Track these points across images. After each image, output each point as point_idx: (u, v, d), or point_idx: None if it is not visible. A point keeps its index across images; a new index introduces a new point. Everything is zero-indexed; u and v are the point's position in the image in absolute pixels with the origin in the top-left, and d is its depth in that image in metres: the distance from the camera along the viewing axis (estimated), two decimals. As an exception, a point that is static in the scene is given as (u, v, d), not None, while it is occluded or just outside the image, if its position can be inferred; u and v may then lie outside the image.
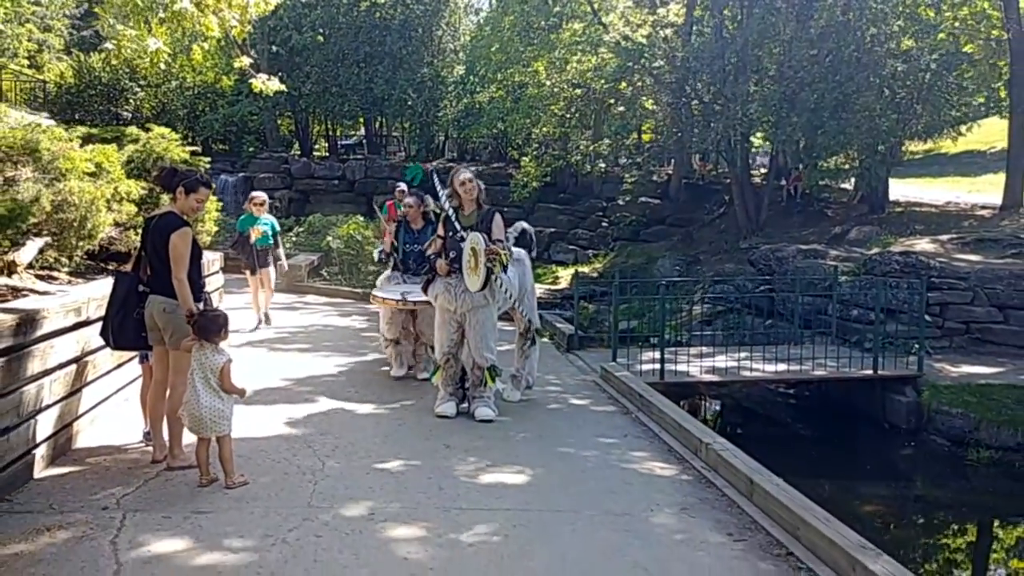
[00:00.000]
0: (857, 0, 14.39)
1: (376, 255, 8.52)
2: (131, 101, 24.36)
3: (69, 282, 6.95)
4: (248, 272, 9.96)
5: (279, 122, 27.14)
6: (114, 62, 24.21)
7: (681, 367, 8.38)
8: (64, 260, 7.09)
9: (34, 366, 4.39)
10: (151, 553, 3.67)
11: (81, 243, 5.39)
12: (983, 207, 16.45)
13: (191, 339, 4.60)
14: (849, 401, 8.93)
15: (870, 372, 8.27)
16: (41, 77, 28.81)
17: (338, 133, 28.61)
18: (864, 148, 14.93)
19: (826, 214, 17.99)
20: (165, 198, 7.23)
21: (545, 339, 10.42)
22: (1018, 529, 6.74)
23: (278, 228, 10.28)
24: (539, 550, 3.88)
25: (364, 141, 28.22)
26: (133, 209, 6.01)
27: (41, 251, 6.89)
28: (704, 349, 9.38)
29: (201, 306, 4.80)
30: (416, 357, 7.65)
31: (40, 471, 4.62)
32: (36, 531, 3.86)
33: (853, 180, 18.02)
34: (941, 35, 15.21)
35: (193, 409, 4.49)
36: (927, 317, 9.47)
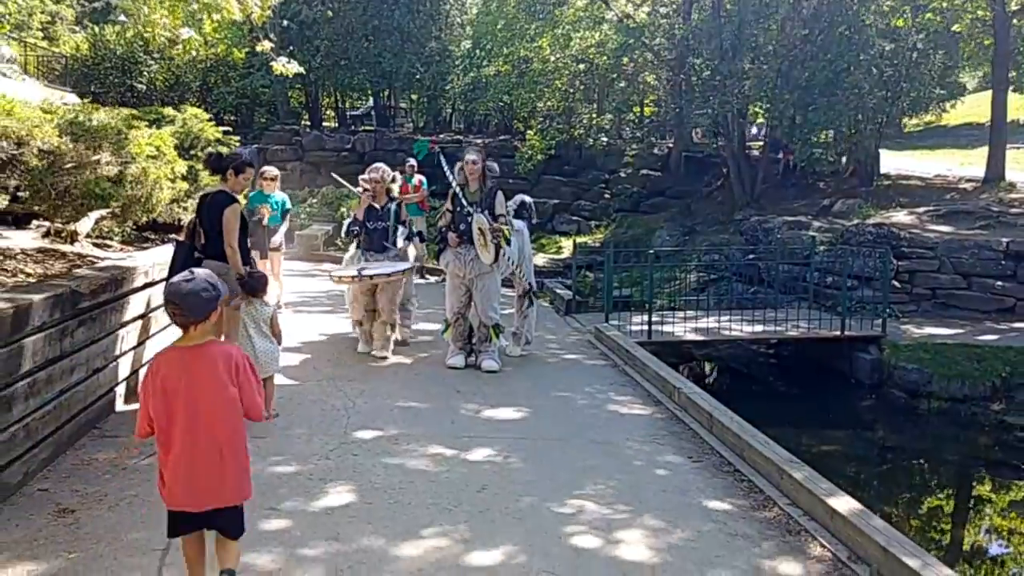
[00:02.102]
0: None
1: (345, 228, 7.81)
2: (145, 74, 24.97)
3: (121, 249, 7.85)
4: (258, 255, 8.65)
5: (289, 94, 27.80)
6: (128, 35, 24.79)
7: (668, 328, 9.28)
8: (116, 230, 8.01)
9: (116, 319, 5.30)
10: (222, 465, 4.59)
11: (143, 216, 6.23)
12: (968, 180, 17.14)
13: (240, 297, 5.49)
14: (821, 359, 9.82)
15: (838, 333, 9.14)
16: (57, 50, 29.49)
17: (347, 105, 29.28)
18: (852, 124, 15.64)
19: (819, 187, 18.70)
20: (205, 177, 8.10)
21: (545, 303, 11.33)
22: (955, 467, 7.66)
23: (289, 206, 9.50)
24: (532, 466, 4.80)
25: (373, 112, 28.90)
26: (185, 186, 6.87)
27: (96, 222, 7.79)
28: (692, 313, 10.25)
29: (247, 268, 5.69)
30: (374, 335, 7.40)
31: (119, 406, 5.55)
32: (126, 449, 4.79)
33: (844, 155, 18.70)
34: (928, 15, 15.82)
35: (248, 354, 5.38)
36: (896, 284, 10.34)
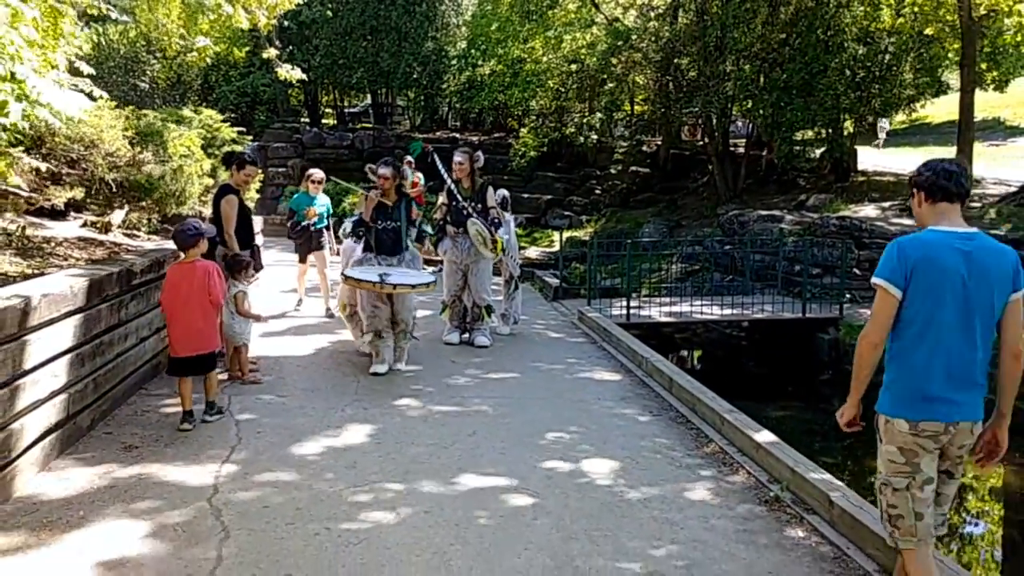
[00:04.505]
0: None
1: (349, 225, 7.10)
2: (148, 73, 25.67)
3: (148, 239, 8.71)
4: (299, 257, 9.25)
5: (289, 92, 28.56)
6: (131, 34, 25.46)
7: (646, 312, 10.17)
8: (144, 221, 8.87)
9: (159, 295, 6.14)
10: (255, 416, 5.46)
11: (176, 208, 7.08)
12: (939, 176, 18.02)
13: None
14: (786, 339, 10.71)
15: (799, 315, 10.04)
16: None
17: (346, 103, 30.10)
18: (828, 123, 16.53)
19: (798, 183, 19.59)
20: (223, 172, 8.95)
21: (537, 292, 12.22)
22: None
23: (332, 209, 9.38)
24: (516, 417, 5.68)
25: (370, 110, 29.72)
26: (210, 182, 7.73)
27: (126, 214, 8.65)
28: (670, 299, 11.13)
29: (232, 252, 6.42)
30: (396, 345, 6.89)
31: (157, 373, 6.41)
32: (175, 404, 5.65)
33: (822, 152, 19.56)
34: (901, 20, 16.69)
35: (224, 326, 6.14)
36: (857, 271, 11.22)
